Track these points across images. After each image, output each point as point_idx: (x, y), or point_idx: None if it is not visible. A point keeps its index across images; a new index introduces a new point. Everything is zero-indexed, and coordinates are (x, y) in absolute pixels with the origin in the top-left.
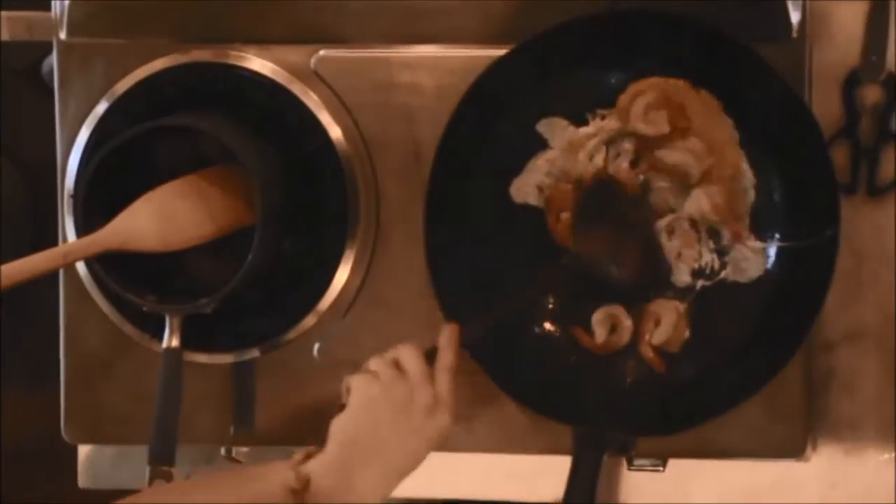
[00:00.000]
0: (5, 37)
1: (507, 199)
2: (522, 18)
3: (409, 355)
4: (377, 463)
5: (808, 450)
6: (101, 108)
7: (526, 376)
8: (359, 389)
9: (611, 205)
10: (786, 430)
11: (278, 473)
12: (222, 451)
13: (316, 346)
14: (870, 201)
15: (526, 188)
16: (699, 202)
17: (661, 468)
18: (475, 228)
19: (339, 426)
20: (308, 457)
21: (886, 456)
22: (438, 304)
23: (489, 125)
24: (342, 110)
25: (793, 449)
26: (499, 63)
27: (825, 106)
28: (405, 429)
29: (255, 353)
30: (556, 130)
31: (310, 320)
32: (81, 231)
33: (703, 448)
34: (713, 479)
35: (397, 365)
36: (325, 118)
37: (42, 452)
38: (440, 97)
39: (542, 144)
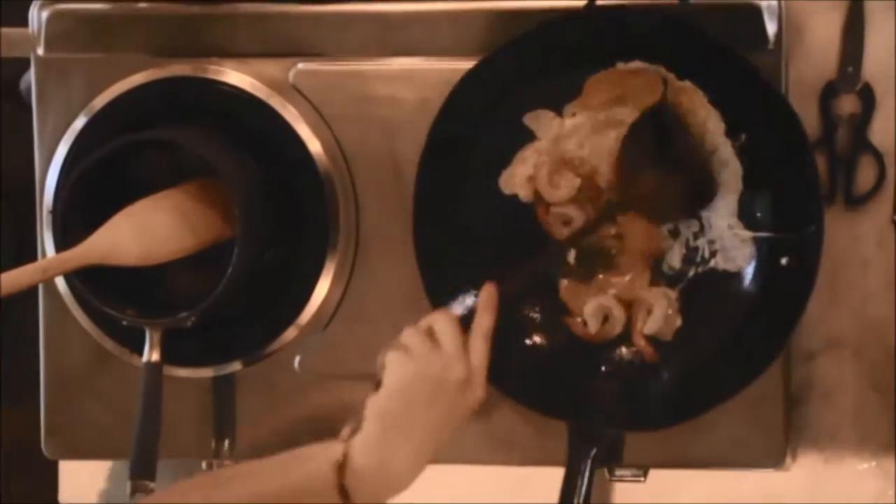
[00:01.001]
0: None
1: (496, 191)
2: (500, 30)
3: (443, 325)
4: (411, 441)
5: (788, 459)
6: (80, 123)
7: (517, 372)
8: (393, 368)
9: (655, 141)
10: (766, 440)
11: (329, 450)
12: (203, 465)
13: (297, 359)
14: (847, 211)
15: (515, 179)
16: None
17: (641, 479)
18: (464, 222)
19: (375, 405)
20: (353, 432)
21: (866, 465)
22: (429, 302)
23: (477, 120)
24: (321, 123)
25: (773, 459)
26: (486, 60)
27: (802, 116)
28: (439, 407)
29: (235, 366)
30: (542, 122)
31: (290, 333)
32: (60, 246)
33: (683, 458)
34: (694, 490)
35: (431, 335)
36: (304, 131)
37: (22, 468)
38: (419, 110)
39: (530, 136)
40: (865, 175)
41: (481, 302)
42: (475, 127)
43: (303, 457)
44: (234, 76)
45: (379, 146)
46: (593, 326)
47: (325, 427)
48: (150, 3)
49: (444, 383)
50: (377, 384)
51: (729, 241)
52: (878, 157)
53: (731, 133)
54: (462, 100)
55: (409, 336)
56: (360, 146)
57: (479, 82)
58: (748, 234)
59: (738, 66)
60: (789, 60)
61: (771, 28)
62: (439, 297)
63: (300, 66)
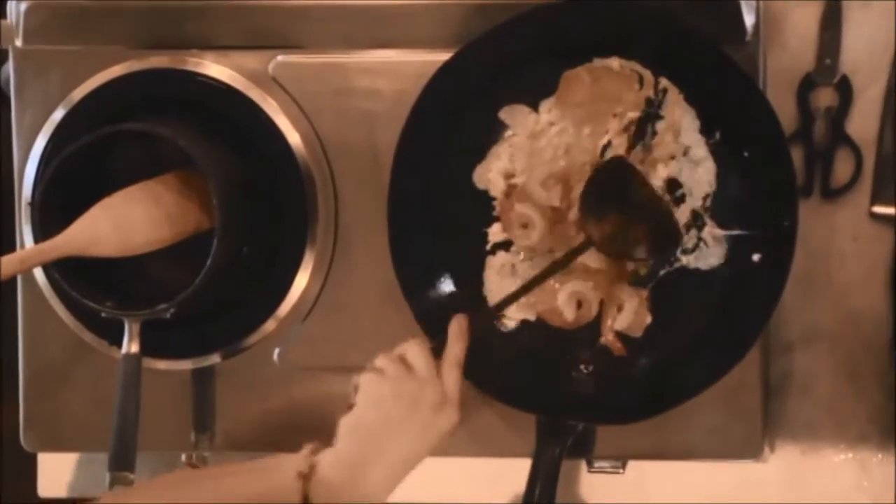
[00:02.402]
0: None
1: (470, 185)
2: (479, 22)
3: (416, 351)
4: (384, 461)
5: (766, 451)
6: (58, 115)
7: (489, 366)
8: (367, 388)
9: (617, 187)
10: (744, 431)
11: (294, 462)
12: (183, 457)
13: (276, 351)
14: (824, 203)
15: (488, 175)
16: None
17: (620, 470)
18: (438, 215)
19: (347, 424)
20: (317, 449)
21: (843, 456)
22: (403, 294)
23: (452, 113)
24: (300, 115)
25: (751, 450)
26: (461, 53)
27: (780, 109)
28: (413, 427)
29: (214, 358)
30: (517, 117)
31: (269, 325)
32: (39, 238)
33: (661, 450)
34: (672, 481)
35: (404, 361)
36: (284, 123)
37: (0, 461)
38: (398, 102)
39: (505, 131)
40: (843, 168)
41: (452, 332)
42: (450, 120)
43: (267, 468)
44: (214, 68)
45: (358, 138)
46: (569, 314)
47: (304, 419)
48: None
49: (419, 404)
50: (350, 406)
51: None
52: (856, 149)
53: (705, 131)
54: (437, 93)
55: (383, 361)
56: (339, 138)
57: (455, 75)
58: (721, 232)
59: (716, 60)
60: (767, 53)
61: (749, 20)
62: (412, 289)
63: (279, 58)
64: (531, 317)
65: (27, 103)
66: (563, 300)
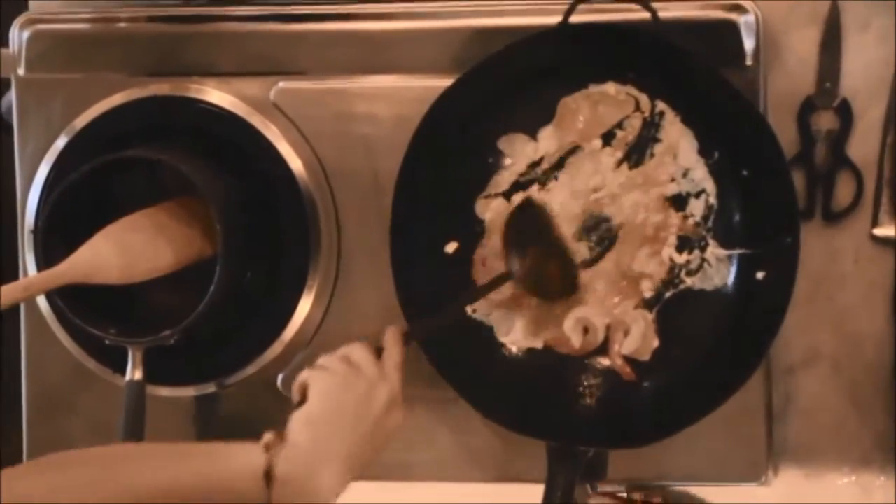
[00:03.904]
0: None
1: (471, 213)
2: (478, 48)
3: (361, 352)
4: (339, 455)
5: (769, 474)
6: (61, 143)
7: (497, 394)
8: (318, 383)
9: (533, 227)
10: (746, 455)
11: (248, 454)
12: None
13: (280, 376)
14: (826, 226)
15: (490, 203)
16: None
17: (624, 494)
18: (440, 242)
19: (300, 419)
20: (273, 443)
21: (846, 479)
22: (406, 320)
23: (452, 141)
24: (302, 141)
25: (753, 473)
26: (460, 81)
27: (780, 132)
28: (366, 423)
29: (218, 385)
30: (516, 146)
31: (273, 350)
32: (42, 266)
33: (664, 473)
34: None
35: (349, 361)
36: (285, 149)
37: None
38: (399, 127)
39: (505, 160)
40: (844, 190)
41: (388, 340)
42: (451, 148)
43: (220, 454)
44: (215, 95)
45: (360, 164)
46: (576, 340)
47: None
48: (131, 23)
49: (371, 401)
50: (299, 403)
51: (707, 260)
52: (857, 172)
53: (704, 151)
54: (437, 121)
55: (329, 360)
56: (340, 164)
57: (454, 103)
58: (724, 252)
59: (714, 82)
60: (767, 76)
61: (749, 44)
62: (415, 315)
63: (281, 84)
64: (538, 345)
65: (30, 131)
66: (570, 327)
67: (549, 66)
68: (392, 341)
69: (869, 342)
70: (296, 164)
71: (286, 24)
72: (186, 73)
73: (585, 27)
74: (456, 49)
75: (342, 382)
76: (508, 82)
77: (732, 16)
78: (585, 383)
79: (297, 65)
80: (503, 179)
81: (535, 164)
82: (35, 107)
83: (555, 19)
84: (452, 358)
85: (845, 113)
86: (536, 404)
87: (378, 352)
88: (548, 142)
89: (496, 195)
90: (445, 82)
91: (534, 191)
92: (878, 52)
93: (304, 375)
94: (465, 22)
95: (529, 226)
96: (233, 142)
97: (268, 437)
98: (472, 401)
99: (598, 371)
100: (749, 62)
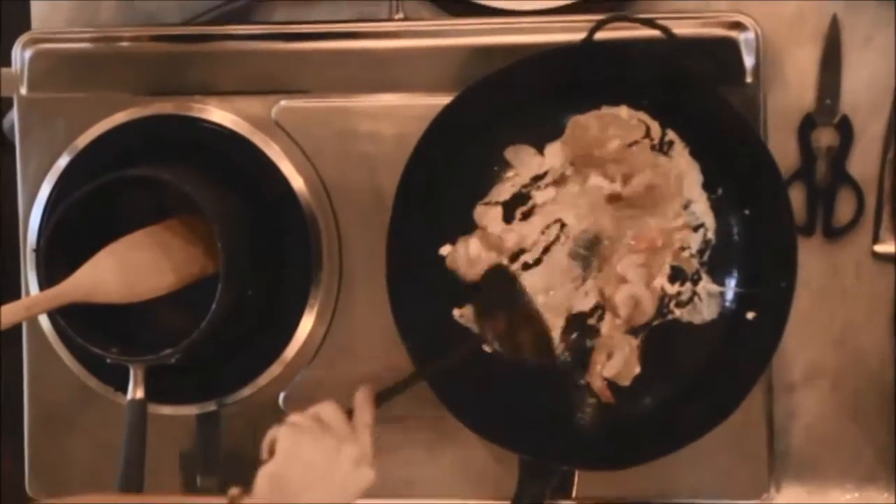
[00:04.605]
0: None
1: (470, 220)
2: (480, 67)
3: (331, 410)
4: None
5: (772, 491)
6: (63, 162)
7: (480, 406)
8: (286, 439)
9: (504, 292)
10: (749, 471)
11: None
12: None
13: (282, 394)
14: (826, 243)
15: (490, 212)
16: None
17: None
18: (436, 247)
19: (267, 475)
20: (244, 493)
21: (849, 496)
22: (401, 339)
23: (454, 151)
24: (303, 159)
25: (756, 490)
26: (466, 91)
27: (781, 149)
28: (333, 481)
29: (220, 403)
30: (522, 157)
31: (275, 369)
32: (44, 285)
33: (668, 490)
34: None
35: (319, 420)
36: (287, 167)
37: None
38: (400, 145)
39: (508, 170)
40: (844, 207)
41: (358, 401)
42: (453, 158)
43: None
44: (217, 114)
45: (361, 182)
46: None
47: None
48: (133, 42)
49: (339, 460)
50: (267, 457)
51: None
52: (857, 188)
53: (708, 186)
54: (441, 130)
55: (298, 417)
56: (342, 182)
57: (459, 113)
58: (717, 288)
59: (721, 110)
60: (767, 94)
61: (749, 61)
62: (409, 331)
63: (282, 103)
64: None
65: (32, 150)
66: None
67: (565, 82)
68: (362, 401)
69: (870, 358)
70: (297, 182)
71: (288, 42)
72: (188, 91)
73: (606, 46)
74: (458, 67)
75: (311, 440)
76: (518, 96)
77: (733, 33)
78: (568, 400)
79: (298, 83)
80: (505, 189)
81: (538, 178)
82: (37, 126)
83: (558, 38)
84: (451, 380)
85: (846, 129)
86: (516, 418)
87: (349, 412)
88: (554, 157)
89: (496, 203)
90: (447, 100)
91: (540, 197)
92: (879, 69)
93: (274, 432)
94: (468, 40)
95: (500, 290)
96: (235, 160)
97: (233, 491)
98: (456, 413)
99: (580, 392)
100: (749, 79)
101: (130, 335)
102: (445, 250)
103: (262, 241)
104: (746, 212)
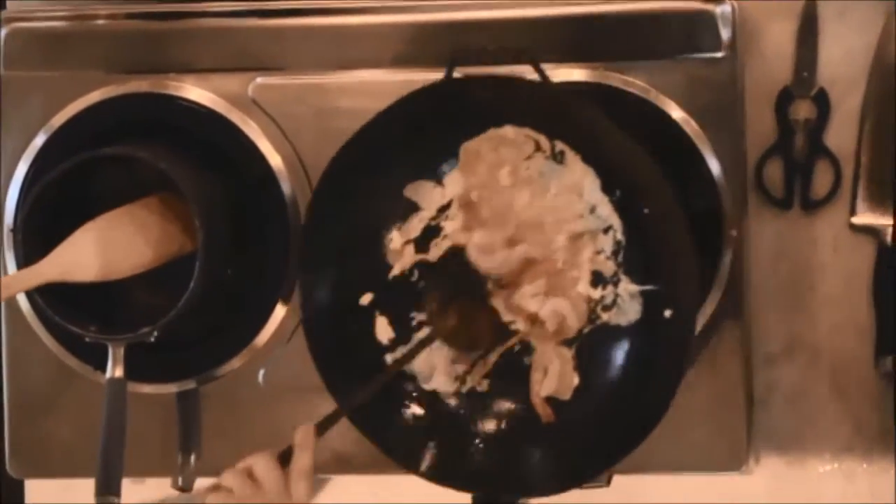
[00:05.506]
0: None
1: (383, 263)
2: (457, 41)
3: (262, 465)
4: None
5: (751, 463)
6: (39, 140)
7: (414, 444)
8: None
9: (456, 283)
10: (728, 444)
11: None
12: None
13: (261, 372)
14: (804, 215)
15: (393, 245)
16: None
17: (604, 484)
18: (354, 296)
19: None
20: None
21: (828, 467)
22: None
23: (360, 192)
24: (281, 137)
25: (735, 462)
26: (358, 134)
27: (758, 122)
28: None
29: (199, 381)
30: (424, 193)
31: (254, 347)
32: (21, 264)
33: (646, 463)
34: (657, 494)
35: (251, 475)
36: (265, 145)
37: None
38: None
39: (414, 208)
40: (822, 180)
41: (298, 442)
42: (357, 201)
43: None
44: (194, 91)
45: None
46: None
47: (290, 439)
48: (109, 20)
49: None
50: None
51: (619, 295)
52: (835, 161)
53: (606, 189)
54: (341, 172)
55: (230, 478)
56: (320, 159)
57: (359, 154)
58: (635, 288)
59: (603, 127)
60: (744, 66)
61: (725, 34)
62: (327, 366)
63: (259, 80)
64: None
65: (8, 129)
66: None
67: (447, 112)
68: (302, 443)
69: (849, 330)
70: (275, 159)
71: (264, 19)
72: (165, 69)
73: (466, 82)
74: (435, 43)
75: None
76: (409, 131)
77: (709, 6)
78: (507, 428)
79: (275, 60)
80: (413, 227)
81: (443, 209)
82: (13, 105)
83: (534, 11)
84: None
85: (823, 102)
86: (455, 453)
87: (286, 454)
88: (455, 185)
89: (408, 242)
90: (425, 76)
91: (450, 231)
92: (856, 42)
93: (207, 497)
94: (445, 16)
95: (451, 280)
96: (212, 138)
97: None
98: (388, 453)
99: (519, 415)
100: (726, 52)
101: (109, 314)
102: (366, 300)
103: (240, 220)
104: (646, 210)
